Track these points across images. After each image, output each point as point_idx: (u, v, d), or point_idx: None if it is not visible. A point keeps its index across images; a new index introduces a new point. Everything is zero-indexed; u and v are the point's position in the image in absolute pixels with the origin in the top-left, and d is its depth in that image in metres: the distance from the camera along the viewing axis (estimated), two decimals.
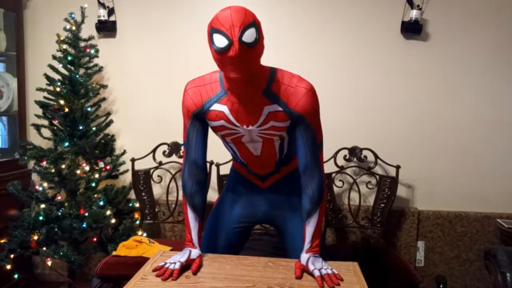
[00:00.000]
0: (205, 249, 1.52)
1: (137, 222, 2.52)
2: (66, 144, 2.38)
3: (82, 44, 2.48)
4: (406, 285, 1.99)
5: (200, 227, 1.44)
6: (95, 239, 2.40)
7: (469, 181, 2.57)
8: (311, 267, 1.28)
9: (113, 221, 2.36)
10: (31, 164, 2.52)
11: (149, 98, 2.70)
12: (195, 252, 1.37)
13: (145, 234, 2.47)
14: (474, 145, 2.55)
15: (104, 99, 2.60)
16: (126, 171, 2.57)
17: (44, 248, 2.27)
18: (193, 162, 1.43)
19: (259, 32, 1.19)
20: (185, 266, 1.31)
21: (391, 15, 2.50)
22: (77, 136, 2.42)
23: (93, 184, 2.40)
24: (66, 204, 2.36)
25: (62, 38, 2.43)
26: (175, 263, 1.30)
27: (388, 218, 2.43)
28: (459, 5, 2.48)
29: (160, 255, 1.47)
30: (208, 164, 2.37)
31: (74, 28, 2.44)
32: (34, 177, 2.63)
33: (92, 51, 2.51)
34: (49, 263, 2.31)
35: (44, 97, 2.42)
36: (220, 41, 1.15)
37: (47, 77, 2.41)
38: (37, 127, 2.41)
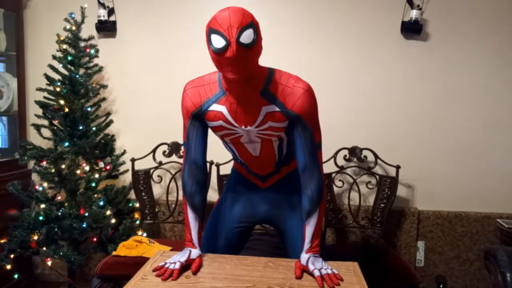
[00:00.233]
0: (205, 249, 1.52)
1: (137, 222, 2.52)
2: (66, 144, 2.38)
3: (82, 44, 2.48)
4: (406, 285, 1.99)
5: (200, 227, 1.44)
6: (95, 239, 2.40)
7: (469, 181, 2.57)
8: (311, 267, 1.28)
9: (113, 221, 2.36)
10: (31, 164, 2.52)
11: (149, 98, 2.70)
12: (195, 252, 1.38)
13: (145, 234, 2.47)
14: (474, 145, 2.55)
15: (104, 99, 2.60)
16: (126, 171, 2.57)
17: (44, 248, 2.27)
18: (193, 162, 1.43)
19: (257, 33, 1.19)
20: (185, 266, 1.32)
21: (391, 15, 2.50)
22: (77, 136, 2.42)
23: (93, 184, 2.40)
24: (66, 204, 2.36)
25: (62, 38, 2.43)
26: (175, 263, 1.30)
27: (388, 218, 2.43)
28: (459, 5, 2.48)
29: (160, 255, 1.47)
30: (208, 164, 2.37)
31: (74, 28, 2.44)
32: (34, 177, 2.63)
33: (92, 51, 2.51)
34: (49, 263, 2.31)
35: (44, 97, 2.42)
36: (218, 41, 1.15)
37: (47, 77, 2.41)
38: (37, 127, 2.41)
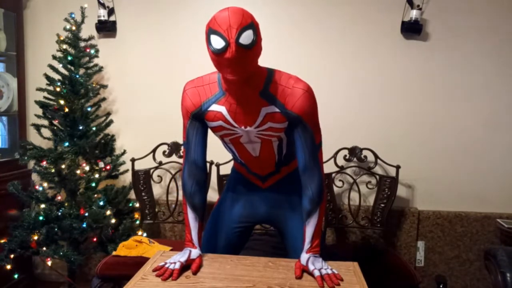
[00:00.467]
0: (205, 249, 1.52)
1: (137, 222, 2.52)
2: (66, 144, 2.38)
3: (82, 44, 2.48)
4: (406, 285, 1.99)
5: (200, 227, 1.44)
6: (95, 239, 2.40)
7: (469, 181, 2.57)
8: (311, 267, 1.28)
9: (113, 221, 2.36)
10: (31, 164, 2.52)
11: (149, 98, 2.70)
12: (195, 252, 1.38)
13: (145, 234, 2.47)
14: (474, 145, 2.55)
15: (104, 99, 2.60)
16: (126, 171, 2.57)
17: (44, 248, 2.27)
18: (193, 162, 1.43)
19: (256, 34, 1.18)
20: (185, 266, 1.32)
21: (391, 15, 2.50)
22: (77, 136, 2.42)
23: (93, 184, 2.40)
24: (66, 204, 2.36)
25: (62, 38, 2.43)
26: (175, 263, 1.31)
27: (388, 218, 2.43)
28: (459, 5, 2.48)
29: (160, 255, 1.47)
30: (208, 164, 2.37)
31: (74, 28, 2.44)
32: (34, 177, 2.63)
33: (92, 51, 2.51)
34: (49, 263, 2.31)
35: (44, 97, 2.42)
36: (217, 42, 1.15)
37: (47, 77, 2.41)
38: (37, 127, 2.41)
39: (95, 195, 2.37)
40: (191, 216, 1.43)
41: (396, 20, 2.50)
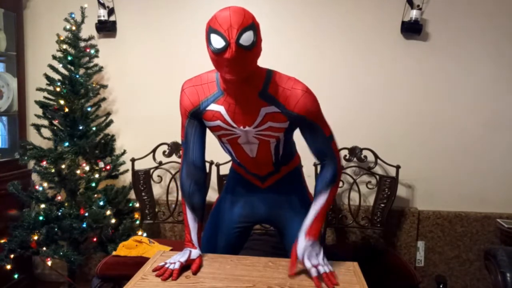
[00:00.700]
0: (204, 249, 1.52)
1: (137, 222, 2.52)
2: (66, 144, 2.38)
3: (82, 44, 2.48)
4: (406, 285, 1.99)
5: (199, 228, 1.44)
6: (95, 239, 2.40)
7: (469, 181, 2.57)
8: (307, 264, 1.28)
9: (113, 221, 2.36)
10: (31, 164, 2.52)
11: (149, 98, 2.70)
12: (195, 252, 1.37)
13: (145, 234, 2.47)
14: (474, 145, 2.55)
15: (104, 99, 2.60)
16: (126, 171, 2.57)
17: (44, 248, 2.27)
18: (191, 162, 1.43)
19: (257, 35, 1.18)
20: (185, 266, 1.32)
21: (391, 15, 2.50)
22: (77, 136, 2.42)
23: (93, 184, 2.40)
24: (66, 204, 2.36)
25: (62, 38, 2.43)
26: (175, 263, 1.30)
27: (388, 218, 2.43)
28: (459, 5, 2.48)
29: (160, 255, 1.47)
30: (208, 164, 2.38)
31: (74, 28, 2.44)
32: (34, 177, 2.63)
33: (92, 51, 2.51)
34: (49, 263, 2.31)
35: (44, 97, 2.42)
36: (217, 42, 1.15)
37: (47, 77, 2.41)
38: (37, 127, 2.41)
39: (95, 195, 2.37)
40: (190, 217, 1.43)
41: (396, 20, 2.50)
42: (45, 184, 2.41)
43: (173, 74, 2.65)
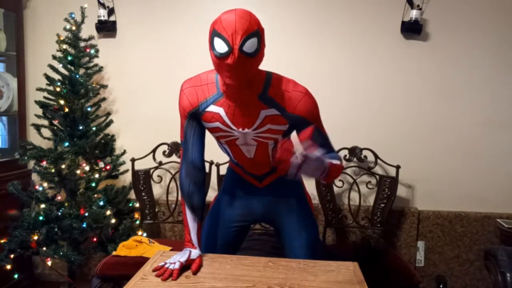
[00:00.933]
0: (204, 249, 1.52)
1: (137, 222, 2.52)
2: (66, 144, 2.38)
3: (82, 44, 2.48)
4: (406, 285, 1.99)
5: (199, 228, 1.44)
6: (95, 239, 2.40)
7: (469, 181, 2.57)
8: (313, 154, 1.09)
9: (113, 221, 2.36)
10: (31, 164, 2.52)
11: (149, 98, 2.70)
12: (195, 252, 1.38)
13: (145, 234, 2.47)
14: (474, 145, 2.55)
15: (104, 99, 2.59)
16: (126, 171, 2.57)
17: (44, 248, 2.27)
18: (191, 162, 1.43)
19: (261, 41, 1.18)
20: (185, 266, 1.32)
21: (391, 15, 2.50)
22: (77, 136, 2.42)
23: (93, 184, 2.40)
24: (66, 204, 2.36)
25: (62, 38, 2.43)
26: (175, 263, 1.30)
27: (388, 218, 2.43)
28: (459, 5, 2.48)
29: (160, 255, 1.47)
30: (208, 164, 2.38)
31: (74, 28, 2.44)
32: (34, 177, 2.63)
33: (92, 51, 2.51)
34: (49, 263, 2.31)
35: (44, 97, 2.42)
36: (220, 46, 1.14)
37: (47, 77, 2.41)
38: (37, 127, 2.41)
39: (95, 195, 2.37)
40: (189, 217, 1.43)
41: (396, 20, 2.50)
42: (45, 184, 2.41)
43: (173, 74, 2.65)
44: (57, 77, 2.42)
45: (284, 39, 2.57)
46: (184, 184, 1.43)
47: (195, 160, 1.43)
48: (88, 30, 2.54)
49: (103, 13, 2.60)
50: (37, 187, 2.41)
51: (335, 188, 2.48)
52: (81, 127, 2.42)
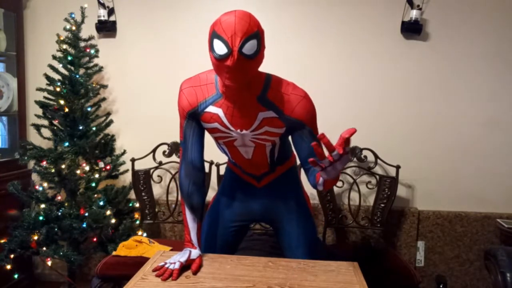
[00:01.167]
0: (203, 249, 1.52)
1: (137, 222, 2.52)
2: (66, 144, 2.38)
3: (82, 44, 2.48)
4: (406, 285, 1.99)
5: (199, 228, 1.44)
6: (95, 239, 2.40)
7: (469, 181, 2.57)
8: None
9: (113, 221, 2.36)
10: (31, 164, 2.52)
11: (149, 98, 2.70)
12: (195, 252, 1.38)
13: (145, 234, 2.47)
14: (473, 145, 2.55)
15: (104, 99, 2.59)
16: (126, 171, 2.57)
17: (44, 248, 2.27)
18: (190, 162, 1.43)
19: (260, 43, 1.18)
20: (185, 266, 1.32)
21: (391, 15, 2.50)
22: (77, 136, 2.42)
23: (93, 184, 2.40)
24: (66, 204, 2.36)
25: (62, 38, 2.43)
26: (175, 263, 1.30)
27: (388, 218, 2.43)
28: (459, 5, 2.48)
29: (160, 255, 1.47)
30: (208, 164, 2.38)
31: (74, 28, 2.44)
32: (34, 177, 2.63)
33: (92, 51, 2.51)
34: (49, 263, 2.31)
35: (44, 97, 2.42)
36: (220, 48, 1.14)
37: (47, 77, 2.41)
38: (37, 127, 2.41)
39: (95, 195, 2.37)
40: (189, 217, 1.43)
41: (396, 20, 2.50)
42: (45, 184, 2.41)
43: (173, 74, 2.65)
44: (57, 77, 2.42)
45: (284, 39, 2.57)
46: (184, 184, 1.43)
47: (195, 160, 1.43)
48: (88, 30, 2.54)
49: (103, 13, 2.60)
50: (37, 187, 2.41)
51: (335, 188, 2.48)
52: (81, 127, 2.42)
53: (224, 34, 1.13)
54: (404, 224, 2.59)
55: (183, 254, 1.36)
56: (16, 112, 2.69)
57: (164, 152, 2.51)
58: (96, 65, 2.54)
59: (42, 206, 2.33)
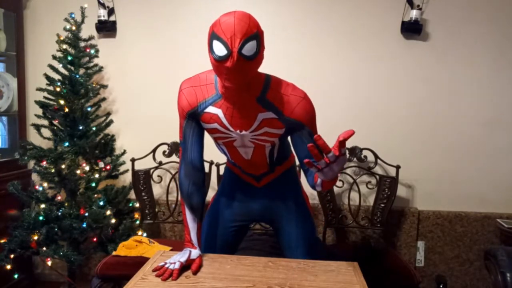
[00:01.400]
0: (203, 248, 1.52)
1: (137, 222, 2.52)
2: (66, 144, 2.38)
3: (82, 44, 2.48)
4: (406, 285, 1.99)
5: (199, 228, 1.44)
6: (95, 239, 2.40)
7: (469, 181, 2.57)
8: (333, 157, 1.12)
9: (113, 221, 2.36)
10: (31, 164, 2.52)
11: (149, 98, 2.70)
12: (195, 252, 1.38)
13: (145, 234, 2.47)
14: (474, 145, 2.55)
15: (104, 99, 2.59)
16: (126, 171, 2.57)
17: (44, 248, 2.27)
18: (190, 162, 1.43)
19: (260, 44, 1.18)
20: (185, 266, 1.32)
21: (391, 15, 2.50)
22: (77, 136, 2.42)
23: (93, 184, 2.40)
24: (66, 204, 2.36)
25: (62, 38, 2.43)
26: (175, 263, 1.31)
27: (388, 218, 2.43)
28: (459, 5, 2.48)
29: (160, 255, 1.47)
30: (208, 164, 2.38)
31: (74, 28, 2.44)
32: (34, 177, 2.63)
33: (92, 51, 2.51)
34: (49, 263, 2.31)
35: (44, 97, 2.42)
36: (219, 49, 1.14)
37: (47, 77, 2.41)
38: (37, 127, 2.41)
39: (95, 195, 2.37)
40: (189, 217, 1.43)
41: (396, 20, 2.50)
42: (45, 184, 2.41)
43: (173, 74, 2.64)
44: (57, 77, 2.42)
45: (284, 39, 2.57)
46: (184, 184, 1.43)
47: (194, 160, 1.43)
48: (88, 30, 2.54)
49: (103, 13, 2.60)
50: (37, 187, 2.41)
51: (335, 188, 2.48)
52: (81, 127, 2.42)
53: (224, 35, 1.13)
54: (404, 224, 2.59)
55: (183, 254, 1.36)
56: (16, 112, 2.69)
57: (164, 152, 2.51)
58: (96, 65, 2.54)
59: (42, 206, 2.33)
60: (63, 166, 2.33)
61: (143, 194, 2.51)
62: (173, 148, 2.51)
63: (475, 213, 2.56)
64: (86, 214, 2.28)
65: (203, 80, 1.36)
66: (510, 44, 2.48)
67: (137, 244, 2.17)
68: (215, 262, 1.38)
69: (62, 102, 2.38)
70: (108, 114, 2.61)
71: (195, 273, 1.30)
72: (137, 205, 2.53)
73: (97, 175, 2.43)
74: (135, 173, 2.50)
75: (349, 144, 2.48)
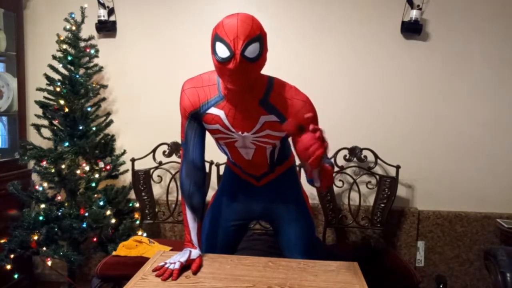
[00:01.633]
0: (204, 248, 1.52)
1: (137, 222, 2.52)
2: (66, 144, 2.38)
3: (82, 44, 2.48)
4: (406, 285, 1.99)
5: (199, 228, 1.44)
6: (95, 239, 2.40)
7: (469, 181, 2.57)
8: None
9: (113, 221, 2.36)
10: (31, 164, 2.52)
11: (149, 98, 2.70)
12: (195, 252, 1.38)
13: (145, 234, 2.47)
14: (474, 145, 2.55)
15: (104, 99, 2.59)
16: (126, 171, 2.57)
17: (44, 248, 2.27)
18: (191, 162, 1.43)
19: (263, 46, 1.18)
20: (185, 266, 1.32)
21: (391, 15, 2.50)
22: (77, 136, 2.42)
23: (93, 184, 2.40)
24: (66, 204, 2.36)
25: (62, 38, 2.43)
26: (175, 263, 1.31)
27: (388, 218, 2.43)
28: (459, 5, 2.48)
29: (160, 255, 1.47)
30: (208, 164, 2.38)
31: (74, 28, 2.44)
32: (34, 177, 2.63)
33: (92, 51, 2.51)
34: (49, 263, 2.31)
35: (44, 97, 2.42)
36: (222, 51, 1.14)
37: (47, 77, 2.41)
38: (37, 127, 2.41)
39: (95, 195, 2.37)
40: (190, 217, 1.43)
41: (396, 20, 2.50)
42: (45, 184, 2.41)
43: (173, 74, 2.65)
44: (57, 77, 2.42)
45: (284, 39, 2.57)
46: (185, 184, 1.43)
47: (196, 160, 1.43)
48: (88, 30, 2.54)
49: (103, 13, 2.60)
50: (37, 187, 2.41)
51: (335, 188, 2.48)
52: (81, 127, 2.42)
53: (227, 37, 1.13)
54: (404, 224, 2.59)
55: (183, 254, 1.36)
56: (16, 112, 2.69)
57: (164, 152, 2.51)
58: (96, 65, 2.54)
59: (42, 206, 2.33)
60: (63, 166, 2.33)
61: (143, 194, 2.51)
62: (173, 148, 2.51)
63: (475, 213, 2.56)
64: (86, 214, 2.28)
65: (206, 81, 1.36)
66: (510, 44, 2.48)
67: (137, 244, 2.17)
68: (215, 262, 1.38)
69: (62, 102, 2.38)
70: (108, 114, 2.61)
71: (195, 273, 1.30)
72: (137, 205, 2.53)
73: (97, 175, 2.43)
74: (135, 173, 2.50)
75: (349, 144, 2.48)
